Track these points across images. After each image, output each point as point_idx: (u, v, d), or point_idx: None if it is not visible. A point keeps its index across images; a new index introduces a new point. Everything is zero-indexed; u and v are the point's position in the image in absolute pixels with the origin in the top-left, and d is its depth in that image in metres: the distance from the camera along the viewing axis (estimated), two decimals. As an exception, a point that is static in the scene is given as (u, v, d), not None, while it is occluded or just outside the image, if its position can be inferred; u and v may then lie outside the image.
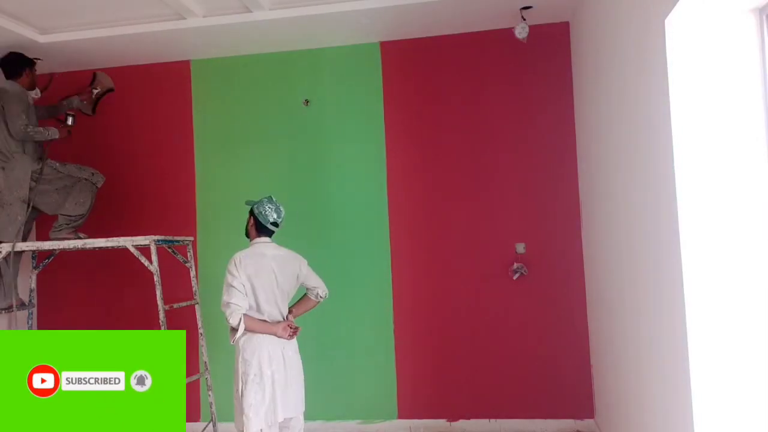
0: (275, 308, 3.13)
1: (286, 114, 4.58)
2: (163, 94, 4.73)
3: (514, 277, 4.20)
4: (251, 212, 3.25)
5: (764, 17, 1.91)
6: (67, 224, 4.11)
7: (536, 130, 4.26)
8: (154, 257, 3.79)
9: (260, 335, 3.06)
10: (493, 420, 4.22)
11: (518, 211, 4.26)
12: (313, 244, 4.48)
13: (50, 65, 4.63)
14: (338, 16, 3.95)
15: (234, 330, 3.04)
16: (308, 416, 4.38)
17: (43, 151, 4.13)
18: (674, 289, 2.04)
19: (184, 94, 4.70)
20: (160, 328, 3.81)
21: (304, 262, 3.29)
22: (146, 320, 4.34)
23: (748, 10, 1.92)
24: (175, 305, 3.95)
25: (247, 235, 3.31)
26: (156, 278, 3.80)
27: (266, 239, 3.23)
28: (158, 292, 3.81)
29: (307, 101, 4.55)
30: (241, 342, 3.08)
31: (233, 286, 3.02)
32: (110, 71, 4.74)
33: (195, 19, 3.99)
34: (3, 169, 3.95)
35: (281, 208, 3.26)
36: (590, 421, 4.12)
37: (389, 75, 4.46)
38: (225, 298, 3.03)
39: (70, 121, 4.22)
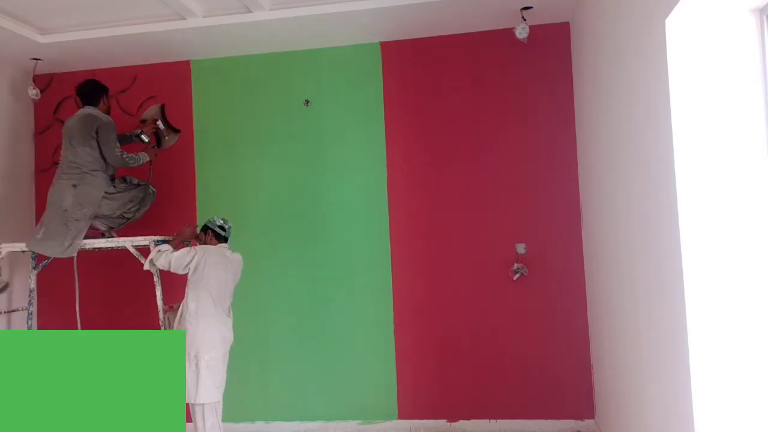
0: (226, 302, 3.65)
1: (286, 114, 4.58)
2: (163, 94, 4.73)
3: (515, 278, 4.20)
4: (204, 229, 3.77)
5: (764, 17, 1.91)
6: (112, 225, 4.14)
7: (536, 130, 4.26)
8: (154, 257, 3.79)
9: (206, 323, 3.51)
10: (493, 420, 4.22)
11: (518, 211, 4.26)
12: (312, 243, 4.49)
13: (50, 65, 4.63)
14: (338, 16, 3.95)
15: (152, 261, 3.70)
16: (308, 416, 4.41)
17: (114, 170, 4.15)
18: (675, 288, 2.04)
19: (184, 94, 4.70)
20: (160, 329, 3.81)
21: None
22: (146, 320, 4.33)
23: (748, 10, 1.92)
24: (175, 305, 3.95)
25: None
26: (156, 278, 3.81)
27: (225, 245, 3.76)
28: (158, 292, 3.81)
29: (307, 101, 4.55)
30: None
31: (185, 255, 3.56)
32: (110, 71, 4.75)
33: (195, 19, 3.99)
34: (75, 186, 3.90)
35: (227, 222, 3.83)
36: (590, 421, 4.12)
37: (389, 75, 4.46)
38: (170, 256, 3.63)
39: (144, 138, 4.35)
